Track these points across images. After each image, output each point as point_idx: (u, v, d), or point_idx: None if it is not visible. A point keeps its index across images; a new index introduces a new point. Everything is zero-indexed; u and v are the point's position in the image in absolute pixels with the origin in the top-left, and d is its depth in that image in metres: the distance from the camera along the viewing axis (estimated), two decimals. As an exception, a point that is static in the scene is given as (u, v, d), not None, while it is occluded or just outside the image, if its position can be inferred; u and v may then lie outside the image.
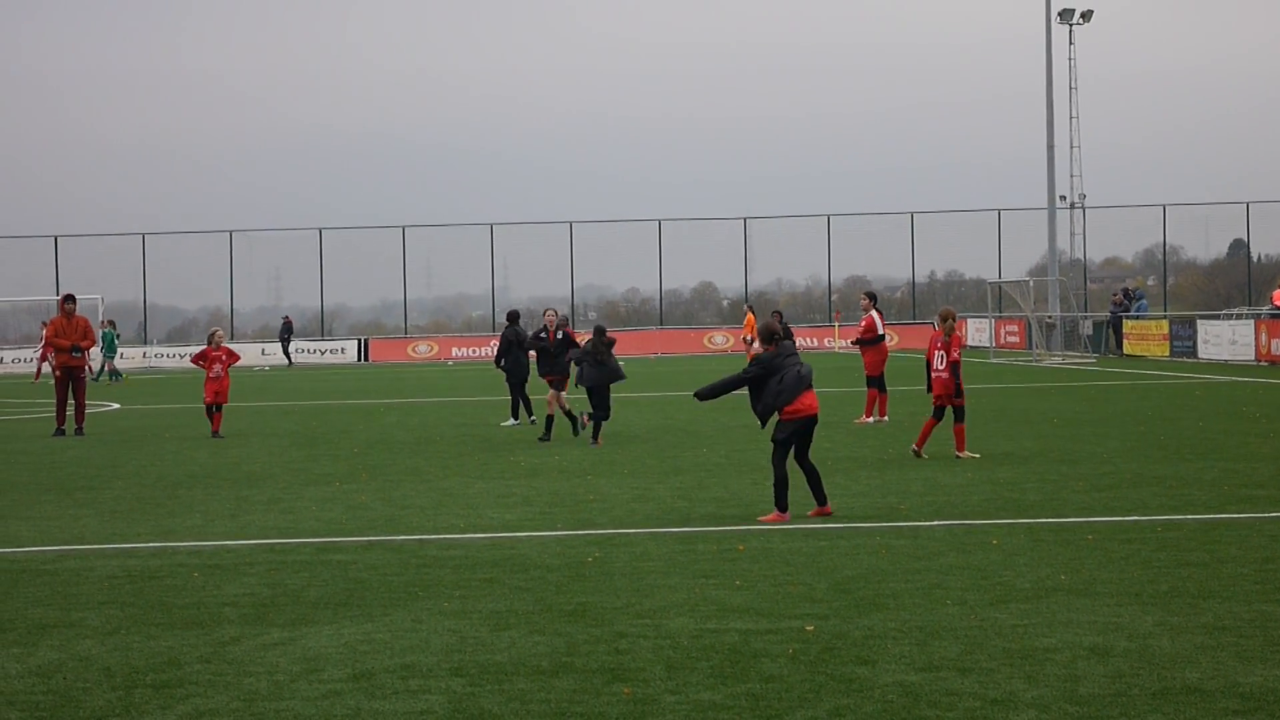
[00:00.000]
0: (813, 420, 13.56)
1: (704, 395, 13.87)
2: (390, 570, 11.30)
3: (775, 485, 13.44)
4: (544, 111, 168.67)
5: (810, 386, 13.53)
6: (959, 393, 18.42)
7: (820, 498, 13.70)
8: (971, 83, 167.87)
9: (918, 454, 18.33)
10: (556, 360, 23.18)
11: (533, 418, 25.28)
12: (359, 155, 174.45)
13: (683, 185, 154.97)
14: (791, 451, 13.55)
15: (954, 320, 18.80)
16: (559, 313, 24.14)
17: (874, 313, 24.91)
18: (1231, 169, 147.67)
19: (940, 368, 18.50)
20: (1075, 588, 10.05)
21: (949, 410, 18.49)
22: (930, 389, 18.72)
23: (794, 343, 13.92)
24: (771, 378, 13.43)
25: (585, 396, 22.07)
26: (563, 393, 22.98)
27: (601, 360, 21.69)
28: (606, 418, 21.87)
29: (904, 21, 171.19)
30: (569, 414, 22.91)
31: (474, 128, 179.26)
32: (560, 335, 23.33)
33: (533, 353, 24.30)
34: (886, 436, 21.61)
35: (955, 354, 18.50)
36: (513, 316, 26.05)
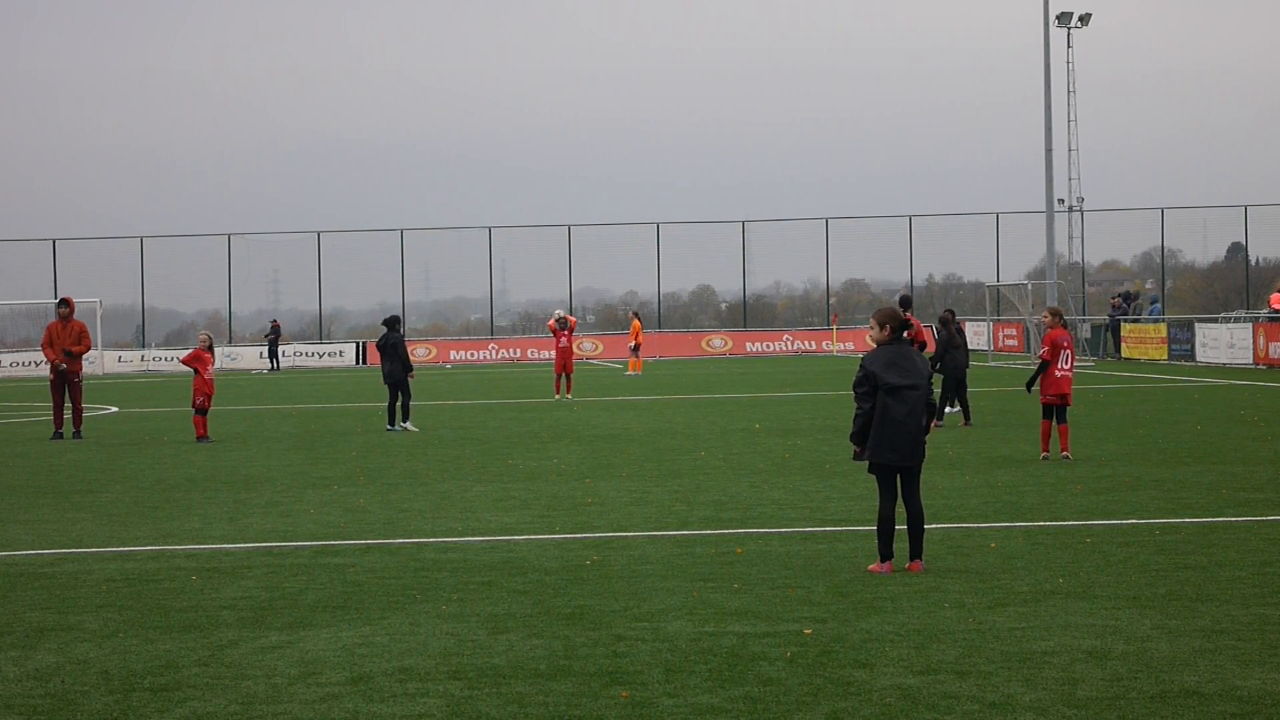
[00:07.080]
0: None
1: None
2: (388, 573, 11.30)
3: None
4: (542, 115, 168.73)
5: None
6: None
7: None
8: (970, 86, 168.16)
9: (1048, 458, 18.21)
10: None
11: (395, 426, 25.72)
12: (356, 158, 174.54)
13: (681, 188, 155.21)
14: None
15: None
16: None
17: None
18: (1229, 172, 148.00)
19: (1065, 367, 18.43)
20: (1073, 591, 10.05)
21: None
22: (1034, 387, 18.54)
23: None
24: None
25: None
26: None
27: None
28: None
29: (902, 26, 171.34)
30: None
31: (472, 131, 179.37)
32: None
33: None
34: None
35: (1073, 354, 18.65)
36: (391, 322, 27.08)
